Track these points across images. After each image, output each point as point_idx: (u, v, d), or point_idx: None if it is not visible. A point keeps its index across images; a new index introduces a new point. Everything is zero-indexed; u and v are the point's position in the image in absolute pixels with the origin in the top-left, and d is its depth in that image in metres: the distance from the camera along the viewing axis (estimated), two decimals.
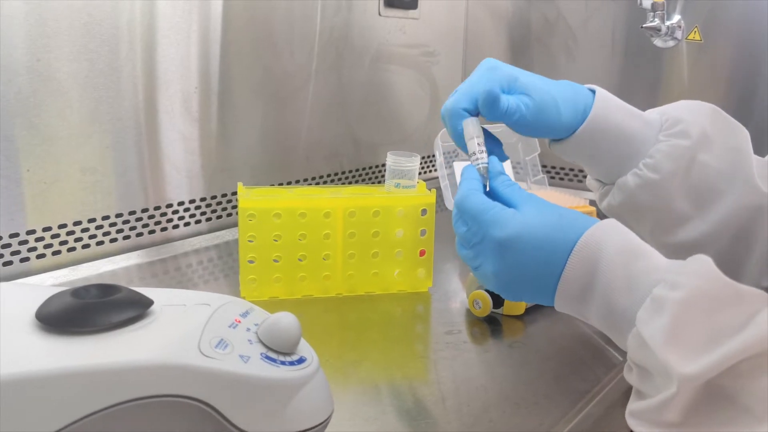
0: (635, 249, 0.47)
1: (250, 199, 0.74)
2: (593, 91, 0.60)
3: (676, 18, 1.11)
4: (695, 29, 1.12)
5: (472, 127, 0.57)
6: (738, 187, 0.58)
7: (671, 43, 1.13)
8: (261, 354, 0.44)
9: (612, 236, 0.47)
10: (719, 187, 0.58)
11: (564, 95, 0.58)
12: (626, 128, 0.59)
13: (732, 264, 0.58)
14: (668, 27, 1.11)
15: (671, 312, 0.41)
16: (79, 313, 0.42)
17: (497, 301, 0.73)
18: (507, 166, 1.02)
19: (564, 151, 0.61)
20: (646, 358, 0.42)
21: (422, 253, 0.80)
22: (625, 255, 0.46)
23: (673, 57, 1.18)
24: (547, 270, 0.48)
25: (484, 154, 0.56)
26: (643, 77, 1.21)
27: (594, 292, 0.47)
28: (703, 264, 0.43)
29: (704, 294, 0.41)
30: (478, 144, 0.57)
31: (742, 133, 0.61)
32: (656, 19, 1.09)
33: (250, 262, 0.75)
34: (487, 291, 0.73)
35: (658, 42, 1.14)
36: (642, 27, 1.10)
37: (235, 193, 1.05)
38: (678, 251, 0.46)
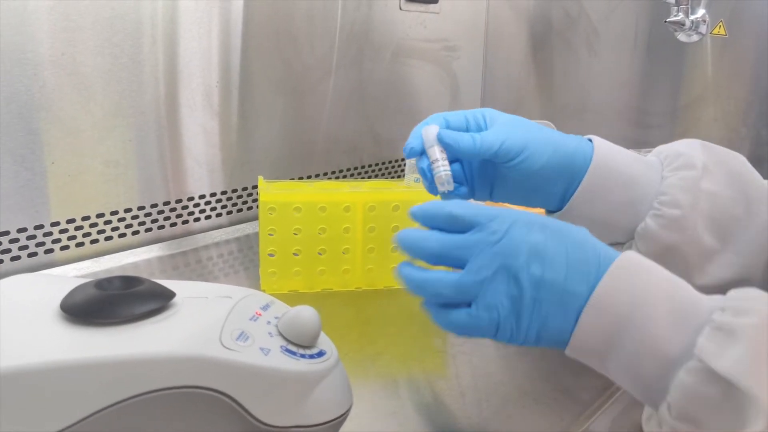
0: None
1: (270, 192, 0.74)
2: (590, 140, 0.59)
3: (700, 12, 1.10)
4: (720, 24, 1.11)
5: (432, 135, 0.56)
6: (754, 211, 0.56)
7: (695, 38, 1.12)
8: (281, 347, 0.44)
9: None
10: (735, 214, 0.56)
11: (564, 140, 0.58)
12: (631, 171, 0.58)
13: None
14: (692, 21, 1.10)
15: (748, 338, 0.38)
16: (103, 305, 0.43)
17: None
18: None
19: (570, 214, 0.59)
20: (709, 395, 0.38)
21: None
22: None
23: (696, 52, 1.16)
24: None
25: (446, 162, 0.56)
26: (666, 73, 1.20)
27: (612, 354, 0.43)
28: (757, 291, 0.41)
29: None
30: (440, 151, 0.56)
31: (738, 159, 0.59)
32: (680, 14, 1.08)
33: (271, 255, 0.76)
34: None
35: (681, 37, 1.13)
36: (666, 22, 1.09)
37: (255, 187, 1.05)
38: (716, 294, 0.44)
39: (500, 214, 0.45)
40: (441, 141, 0.56)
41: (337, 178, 1.19)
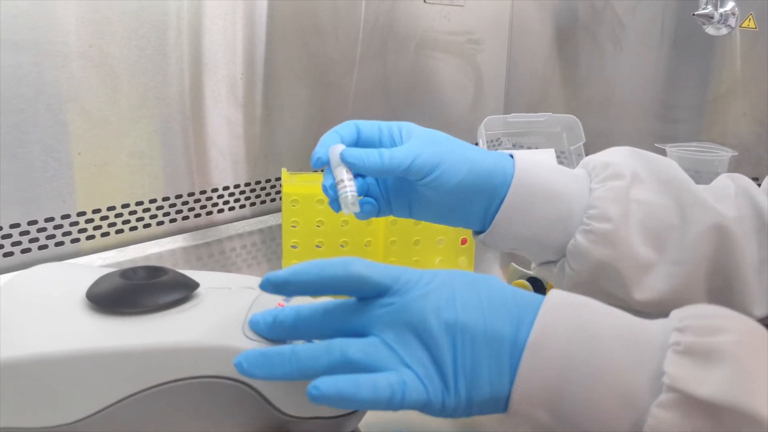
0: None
1: (293, 184, 0.75)
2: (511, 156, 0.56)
3: (730, 5, 1.08)
4: (750, 16, 1.09)
5: (337, 155, 0.54)
6: (689, 217, 0.53)
7: (724, 31, 1.10)
8: None
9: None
10: (670, 222, 0.53)
11: (482, 157, 0.55)
12: (556, 185, 0.54)
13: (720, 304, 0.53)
14: (721, 14, 1.08)
15: (735, 357, 0.34)
16: (128, 294, 0.43)
17: (539, 292, 0.73)
18: (551, 154, 1.01)
19: (495, 234, 0.56)
20: (696, 428, 0.34)
21: (464, 241, 0.79)
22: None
23: (725, 46, 1.14)
24: None
25: (352, 182, 0.53)
26: (694, 67, 1.18)
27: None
28: (713, 307, 0.38)
29: (755, 334, 0.36)
30: (346, 171, 0.53)
31: (671, 165, 0.56)
32: (709, 6, 1.06)
33: (293, 247, 0.76)
34: (529, 281, 0.72)
35: (710, 30, 1.11)
36: (694, 14, 1.07)
37: (278, 179, 1.06)
38: (660, 310, 0.41)
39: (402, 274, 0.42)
40: (344, 161, 0.53)
41: None
